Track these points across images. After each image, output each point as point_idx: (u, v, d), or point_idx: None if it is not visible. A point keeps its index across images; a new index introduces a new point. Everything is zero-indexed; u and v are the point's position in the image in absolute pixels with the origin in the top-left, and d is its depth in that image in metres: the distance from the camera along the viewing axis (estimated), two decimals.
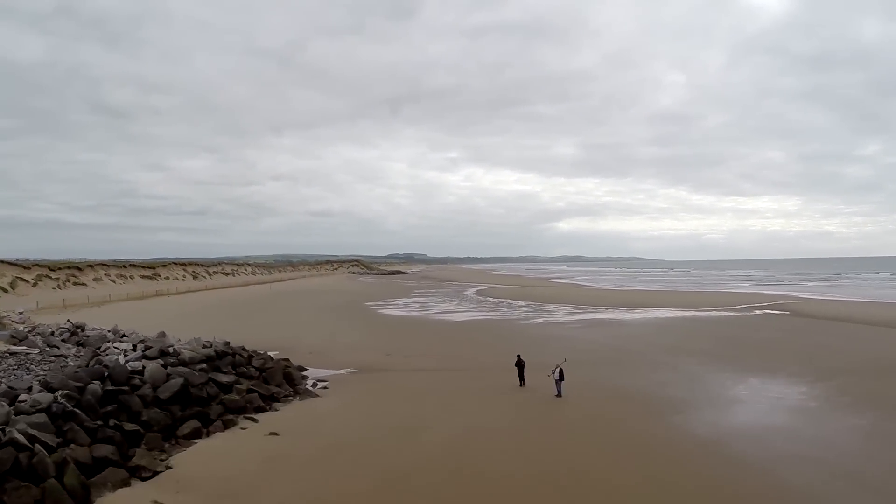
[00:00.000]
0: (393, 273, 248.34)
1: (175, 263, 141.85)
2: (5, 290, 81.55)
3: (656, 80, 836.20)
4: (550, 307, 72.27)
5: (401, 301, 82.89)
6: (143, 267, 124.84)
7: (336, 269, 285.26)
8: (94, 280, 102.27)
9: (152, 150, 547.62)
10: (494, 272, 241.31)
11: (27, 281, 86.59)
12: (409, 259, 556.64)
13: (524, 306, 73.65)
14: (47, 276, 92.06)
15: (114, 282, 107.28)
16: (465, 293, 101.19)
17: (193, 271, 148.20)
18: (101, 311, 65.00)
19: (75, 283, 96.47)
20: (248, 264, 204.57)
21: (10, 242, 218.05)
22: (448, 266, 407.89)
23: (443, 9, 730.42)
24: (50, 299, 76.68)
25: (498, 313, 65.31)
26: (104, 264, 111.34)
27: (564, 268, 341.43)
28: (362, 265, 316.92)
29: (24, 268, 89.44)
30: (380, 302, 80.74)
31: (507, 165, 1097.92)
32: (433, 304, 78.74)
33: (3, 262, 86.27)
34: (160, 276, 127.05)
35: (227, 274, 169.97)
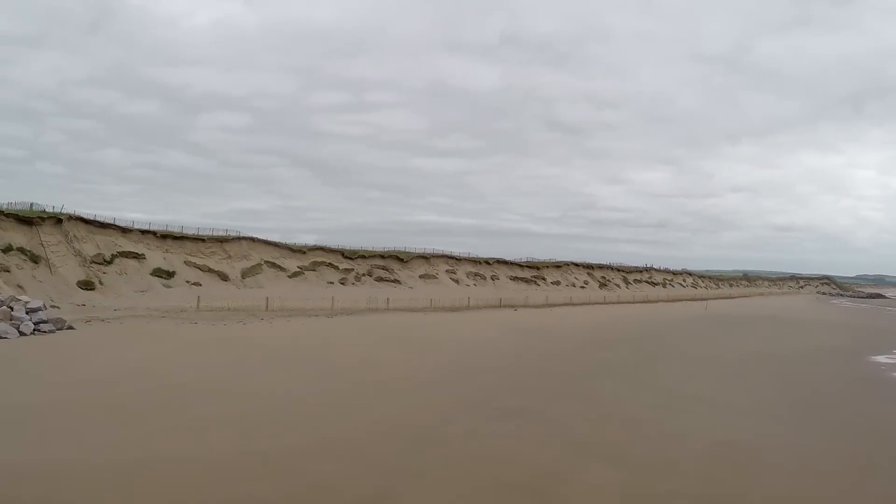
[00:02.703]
0: (872, 296, 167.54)
1: (574, 264, 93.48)
2: (224, 279, 44.65)
3: None
4: None
5: None
6: (519, 266, 79.78)
7: (802, 287, 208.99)
8: (421, 277, 61.00)
9: (609, 164, 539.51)
10: None
11: (280, 269, 49.25)
12: (880, 281, 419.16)
13: None
14: (330, 266, 53.73)
15: (457, 283, 64.38)
16: None
17: (602, 277, 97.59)
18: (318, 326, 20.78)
19: (380, 279, 56.15)
20: (689, 273, 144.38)
21: (479, 247, 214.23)
22: None
23: None
24: (308, 295, 37.83)
25: None
26: (451, 257, 69.47)
27: None
28: (834, 284, 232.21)
29: (292, 250, 52.35)
30: None
31: None
32: None
33: (256, 240, 50.85)
34: (544, 279, 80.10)
35: (654, 284, 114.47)
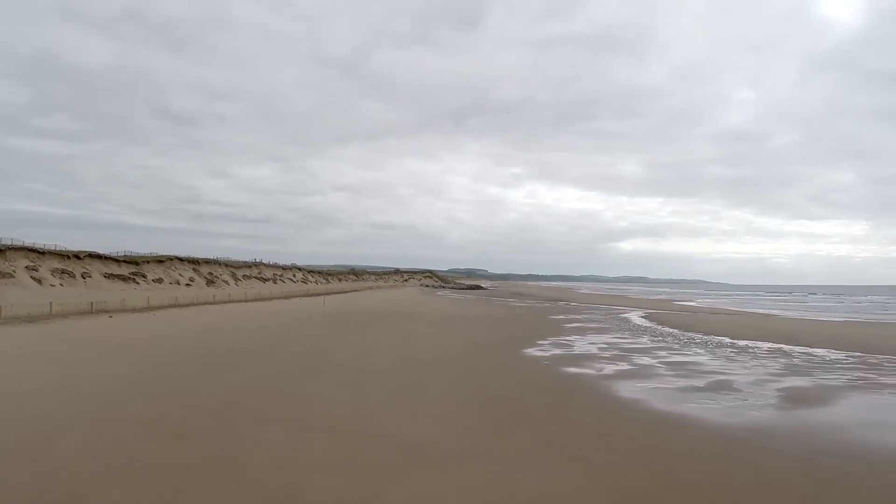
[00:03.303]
0: (472, 287, 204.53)
1: (179, 259, 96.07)
2: None
3: (726, 96, 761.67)
4: None
5: (583, 343, 32.35)
6: (115, 261, 79.16)
7: (406, 280, 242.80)
8: None
9: (216, 158, 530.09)
10: (580, 290, 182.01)
11: None
12: (471, 274, 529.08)
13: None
14: None
15: (39, 283, 61.77)
16: (633, 321, 50.70)
17: (209, 273, 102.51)
18: None
19: None
20: (299, 268, 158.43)
21: (76, 241, 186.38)
22: (517, 283, 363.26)
23: (510, 19, 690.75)
24: None
25: None
26: (32, 250, 65.51)
27: (644, 288, 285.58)
28: (437, 277, 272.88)
29: None
30: (543, 345, 30.73)
31: (570, 182, 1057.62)
32: (687, 356, 27.42)
33: None
34: (145, 276, 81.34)
35: (264, 280, 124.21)
